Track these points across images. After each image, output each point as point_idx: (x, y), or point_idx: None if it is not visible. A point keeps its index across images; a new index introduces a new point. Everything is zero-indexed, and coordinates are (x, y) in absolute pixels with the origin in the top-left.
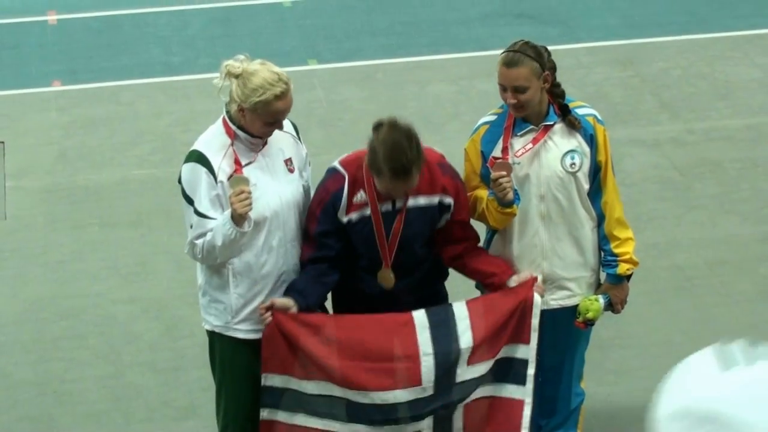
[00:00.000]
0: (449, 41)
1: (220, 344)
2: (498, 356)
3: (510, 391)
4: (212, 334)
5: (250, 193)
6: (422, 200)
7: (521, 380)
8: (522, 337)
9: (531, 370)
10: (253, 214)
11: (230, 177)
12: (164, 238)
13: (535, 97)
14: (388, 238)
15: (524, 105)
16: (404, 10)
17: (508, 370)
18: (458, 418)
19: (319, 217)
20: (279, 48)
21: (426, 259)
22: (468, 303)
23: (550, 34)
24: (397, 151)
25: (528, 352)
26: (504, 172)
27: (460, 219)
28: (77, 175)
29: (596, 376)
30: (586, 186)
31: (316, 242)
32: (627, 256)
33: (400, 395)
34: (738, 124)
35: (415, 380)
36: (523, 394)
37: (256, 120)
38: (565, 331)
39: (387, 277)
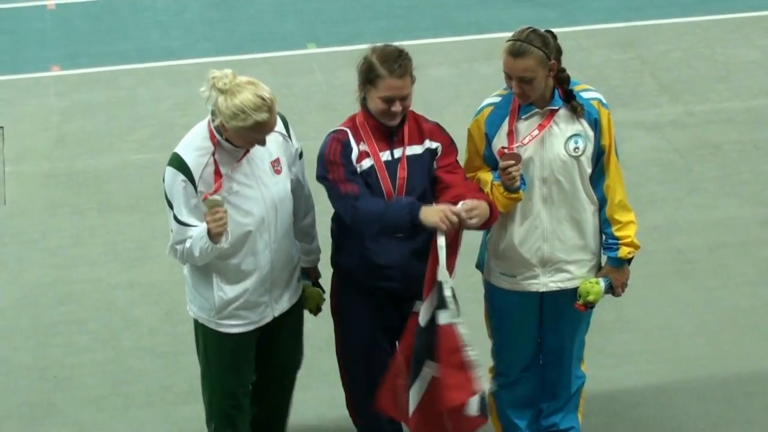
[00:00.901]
0: (449, 24)
1: (203, 333)
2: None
3: (441, 318)
4: (196, 323)
5: (225, 212)
6: (416, 148)
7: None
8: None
9: (447, 292)
10: (233, 223)
11: (204, 198)
12: (163, 223)
13: (540, 85)
14: (395, 187)
15: (529, 94)
16: None
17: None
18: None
19: (341, 161)
20: (277, 32)
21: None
22: None
23: (549, 17)
24: (388, 51)
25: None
26: (512, 161)
27: (446, 163)
28: (76, 160)
29: (597, 360)
30: (589, 170)
31: (351, 180)
32: (628, 240)
33: None
34: (738, 106)
35: None
36: (449, 317)
37: (239, 138)
38: (566, 314)
39: None
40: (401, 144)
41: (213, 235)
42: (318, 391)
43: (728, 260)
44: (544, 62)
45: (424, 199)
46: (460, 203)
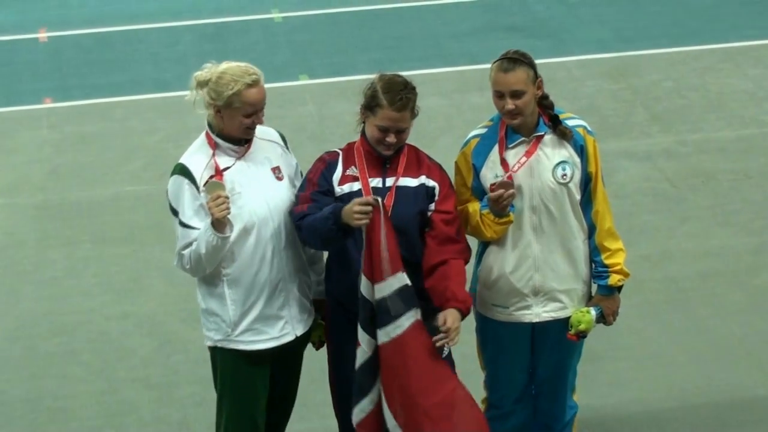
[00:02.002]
0: (440, 55)
1: (221, 358)
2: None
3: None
4: (213, 350)
5: (227, 197)
6: (409, 181)
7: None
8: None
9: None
10: (238, 222)
11: (206, 183)
12: (157, 254)
13: (530, 103)
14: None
15: (521, 111)
16: (395, 25)
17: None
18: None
19: (317, 181)
20: (270, 63)
21: (417, 246)
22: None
23: (540, 47)
24: (394, 82)
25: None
26: (506, 190)
27: (445, 209)
28: (69, 192)
29: (590, 388)
30: (578, 197)
31: (311, 199)
32: (618, 267)
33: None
34: (730, 135)
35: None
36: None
37: (235, 116)
38: (558, 344)
39: None
40: (394, 173)
41: (216, 224)
42: (312, 423)
43: (721, 289)
44: (533, 78)
45: (409, 234)
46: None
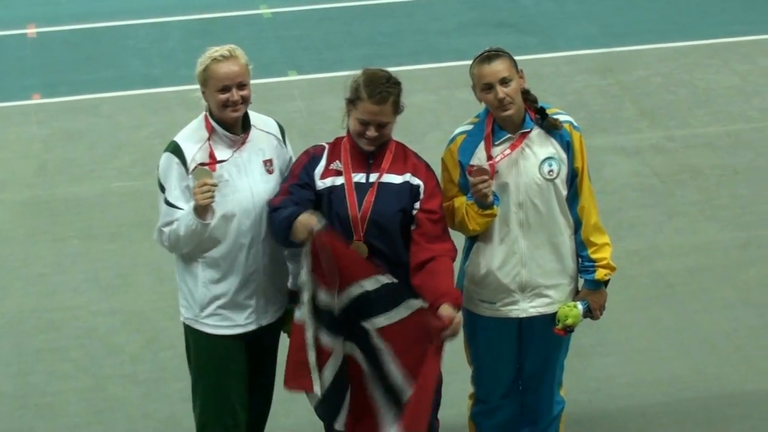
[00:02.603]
0: (429, 51)
1: (193, 338)
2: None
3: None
4: (186, 327)
5: (214, 185)
6: (393, 177)
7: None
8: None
9: (304, 297)
10: (220, 209)
11: (194, 169)
12: (145, 250)
13: (518, 93)
14: (360, 209)
15: (513, 98)
16: (384, 21)
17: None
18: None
19: (298, 174)
20: (259, 59)
21: (398, 244)
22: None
23: (529, 43)
24: (377, 77)
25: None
26: (484, 177)
27: (430, 208)
28: (57, 188)
29: (578, 383)
30: (565, 193)
31: (288, 191)
32: (604, 262)
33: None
34: (718, 131)
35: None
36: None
37: (211, 93)
38: (545, 339)
39: (360, 250)
40: (378, 169)
41: (199, 210)
42: (299, 418)
43: (709, 284)
44: (515, 67)
45: (390, 231)
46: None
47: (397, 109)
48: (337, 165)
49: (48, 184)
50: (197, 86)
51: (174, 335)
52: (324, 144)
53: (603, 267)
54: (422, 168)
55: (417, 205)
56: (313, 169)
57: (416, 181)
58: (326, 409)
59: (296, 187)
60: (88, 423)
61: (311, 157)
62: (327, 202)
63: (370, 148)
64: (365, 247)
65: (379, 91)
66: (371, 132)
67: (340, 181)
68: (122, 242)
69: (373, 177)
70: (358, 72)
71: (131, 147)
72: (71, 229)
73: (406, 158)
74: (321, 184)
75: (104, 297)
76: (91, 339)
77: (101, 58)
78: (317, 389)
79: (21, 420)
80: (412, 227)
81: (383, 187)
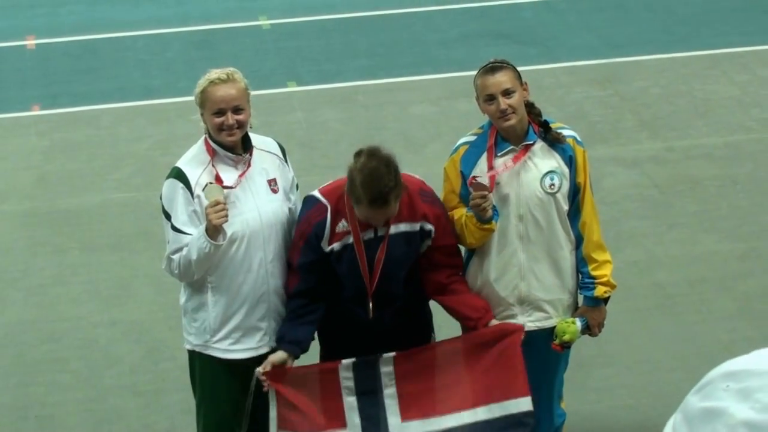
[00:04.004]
0: (429, 62)
1: (199, 363)
2: (489, 416)
3: None
4: (192, 354)
5: (225, 204)
6: (404, 227)
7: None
8: (517, 390)
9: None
10: (229, 230)
11: (205, 187)
12: (145, 261)
13: (521, 104)
14: (372, 267)
15: (516, 110)
16: (384, 32)
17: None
18: None
19: (302, 249)
20: (258, 70)
21: (409, 286)
22: (396, 357)
23: (529, 54)
24: (375, 178)
25: (529, 403)
26: (483, 192)
27: (443, 245)
28: (57, 199)
29: (578, 394)
30: (566, 207)
31: (299, 274)
32: (605, 279)
33: None
34: (717, 141)
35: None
36: None
37: (208, 117)
38: (543, 353)
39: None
40: (386, 223)
41: (211, 230)
42: None
43: (708, 295)
44: (519, 79)
45: (400, 274)
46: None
47: (398, 199)
48: (343, 225)
49: (48, 196)
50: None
51: (174, 346)
52: (325, 203)
53: (603, 284)
54: (432, 211)
55: (428, 242)
56: (319, 240)
57: (428, 227)
58: None
59: (305, 270)
60: None
61: (314, 227)
62: (338, 261)
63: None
64: (370, 305)
65: (381, 199)
66: (379, 223)
67: (347, 241)
68: (122, 253)
69: (381, 231)
70: (351, 168)
71: (131, 158)
72: (71, 241)
73: (412, 204)
74: (328, 249)
75: (104, 308)
76: (92, 350)
77: (101, 69)
78: None
79: (21, 431)
80: (421, 256)
81: (393, 238)
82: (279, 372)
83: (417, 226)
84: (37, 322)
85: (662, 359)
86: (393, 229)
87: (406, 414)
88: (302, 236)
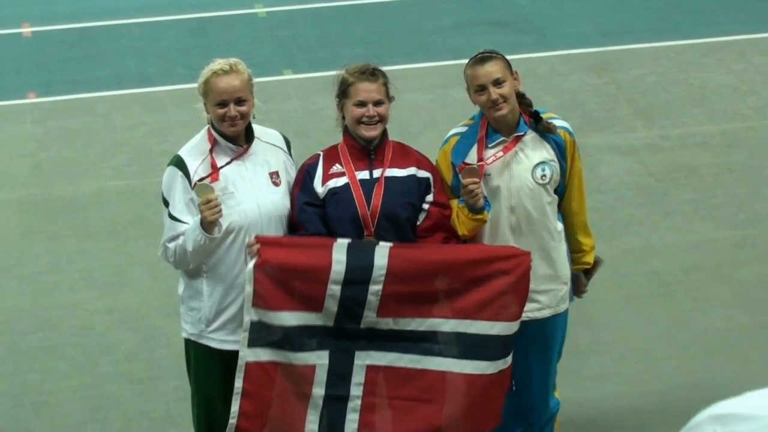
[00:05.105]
0: (424, 50)
1: (194, 352)
2: (464, 330)
3: (482, 367)
4: (188, 342)
5: (217, 200)
6: (397, 171)
7: (499, 355)
8: (509, 315)
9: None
10: (226, 221)
11: (194, 185)
12: (140, 249)
13: (512, 94)
14: (369, 206)
15: (507, 99)
16: (379, 20)
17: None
18: (359, 374)
19: (297, 195)
20: (254, 58)
21: (408, 239)
22: (392, 250)
23: (524, 42)
24: (360, 63)
25: (514, 327)
26: (475, 178)
27: (443, 202)
28: (53, 187)
29: (572, 382)
30: (557, 198)
31: (301, 224)
32: (585, 261)
33: (296, 317)
34: (713, 129)
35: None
36: (499, 366)
37: (210, 107)
38: (537, 344)
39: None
40: (381, 164)
41: (206, 225)
42: None
43: (703, 283)
44: (509, 69)
45: (400, 225)
46: None
47: (388, 92)
48: (336, 168)
49: (43, 183)
50: (192, 85)
51: (170, 333)
52: (317, 152)
53: (582, 263)
54: (426, 161)
55: (429, 197)
56: (312, 180)
57: (423, 173)
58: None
59: (305, 217)
60: (83, 421)
61: (306, 169)
62: (332, 204)
63: (373, 133)
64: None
65: (369, 72)
66: (370, 111)
67: (342, 181)
68: (118, 241)
69: (377, 172)
70: (339, 70)
71: (127, 146)
72: (67, 228)
73: (407, 153)
74: (322, 190)
75: (100, 295)
76: (87, 337)
77: (96, 57)
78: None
79: (17, 418)
80: (421, 220)
81: (390, 180)
82: (272, 239)
83: (411, 171)
84: (32, 310)
85: (657, 347)
86: (388, 172)
87: (383, 312)
88: (297, 183)
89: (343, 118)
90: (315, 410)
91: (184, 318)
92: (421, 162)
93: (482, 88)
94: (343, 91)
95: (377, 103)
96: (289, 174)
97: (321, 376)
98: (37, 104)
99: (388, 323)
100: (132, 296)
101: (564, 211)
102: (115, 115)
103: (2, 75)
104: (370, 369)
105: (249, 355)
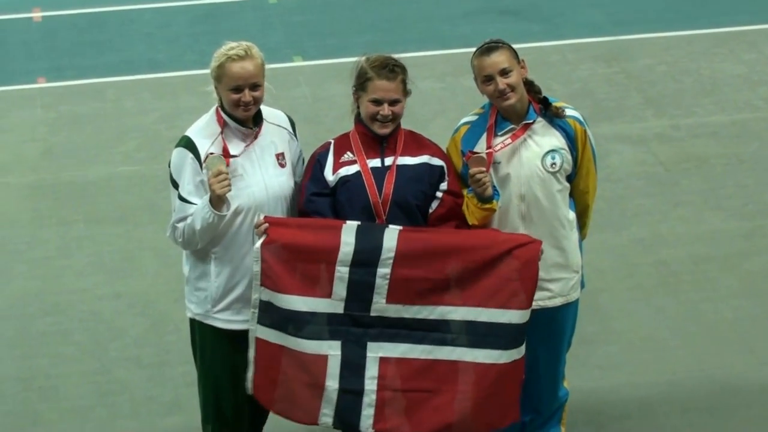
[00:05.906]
0: (434, 38)
1: (200, 332)
2: (462, 317)
3: (494, 356)
4: (193, 322)
5: (227, 173)
6: (409, 159)
7: (511, 345)
8: (518, 303)
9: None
10: (234, 202)
11: (206, 158)
12: (150, 234)
13: (520, 83)
14: (381, 194)
15: (514, 88)
16: (389, 7)
17: (495, 335)
18: (372, 367)
19: (307, 185)
20: (264, 45)
21: (423, 219)
22: (402, 233)
23: (534, 31)
24: (381, 57)
25: (525, 316)
26: (482, 167)
27: (456, 191)
28: (63, 172)
29: (581, 372)
30: (567, 185)
31: (308, 213)
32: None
33: (305, 302)
34: (723, 120)
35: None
36: (511, 356)
37: (224, 92)
38: (546, 333)
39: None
40: (393, 153)
41: (215, 201)
42: None
43: (713, 273)
44: (516, 58)
45: (412, 213)
46: None
47: (405, 88)
48: (348, 156)
49: (53, 168)
50: (202, 71)
51: (179, 319)
52: (328, 140)
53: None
54: (439, 150)
55: (443, 185)
56: (322, 169)
57: (437, 161)
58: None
59: (312, 207)
60: (92, 406)
61: (317, 158)
62: (343, 192)
63: (385, 130)
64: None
65: (389, 69)
66: (385, 110)
67: (353, 170)
68: (127, 226)
69: (388, 161)
70: (360, 58)
71: (136, 131)
72: (76, 213)
73: (419, 141)
74: (333, 178)
75: (109, 280)
76: (96, 322)
77: (106, 42)
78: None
79: (25, 402)
80: (434, 208)
81: (401, 169)
82: (280, 220)
83: (424, 159)
84: (41, 294)
85: (666, 337)
86: (400, 160)
87: (392, 298)
88: (306, 173)
89: (358, 106)
90: (329, 404)
91: (189, 298)
92: (435, 150)
93: (489, 79)
94: (361, 84)
95: (393, 102)
96: (293, 154)
97: (334, 368)
98: (47, 89)
99: (398, 310)
100: (141, 281)
101: (573, 194)
102: (125, 101)
103: (13, 60)
104: (383, 361)
105: (259, 331)
